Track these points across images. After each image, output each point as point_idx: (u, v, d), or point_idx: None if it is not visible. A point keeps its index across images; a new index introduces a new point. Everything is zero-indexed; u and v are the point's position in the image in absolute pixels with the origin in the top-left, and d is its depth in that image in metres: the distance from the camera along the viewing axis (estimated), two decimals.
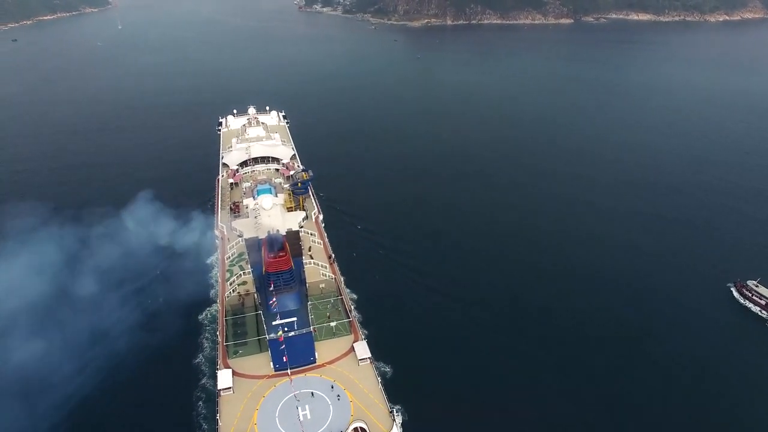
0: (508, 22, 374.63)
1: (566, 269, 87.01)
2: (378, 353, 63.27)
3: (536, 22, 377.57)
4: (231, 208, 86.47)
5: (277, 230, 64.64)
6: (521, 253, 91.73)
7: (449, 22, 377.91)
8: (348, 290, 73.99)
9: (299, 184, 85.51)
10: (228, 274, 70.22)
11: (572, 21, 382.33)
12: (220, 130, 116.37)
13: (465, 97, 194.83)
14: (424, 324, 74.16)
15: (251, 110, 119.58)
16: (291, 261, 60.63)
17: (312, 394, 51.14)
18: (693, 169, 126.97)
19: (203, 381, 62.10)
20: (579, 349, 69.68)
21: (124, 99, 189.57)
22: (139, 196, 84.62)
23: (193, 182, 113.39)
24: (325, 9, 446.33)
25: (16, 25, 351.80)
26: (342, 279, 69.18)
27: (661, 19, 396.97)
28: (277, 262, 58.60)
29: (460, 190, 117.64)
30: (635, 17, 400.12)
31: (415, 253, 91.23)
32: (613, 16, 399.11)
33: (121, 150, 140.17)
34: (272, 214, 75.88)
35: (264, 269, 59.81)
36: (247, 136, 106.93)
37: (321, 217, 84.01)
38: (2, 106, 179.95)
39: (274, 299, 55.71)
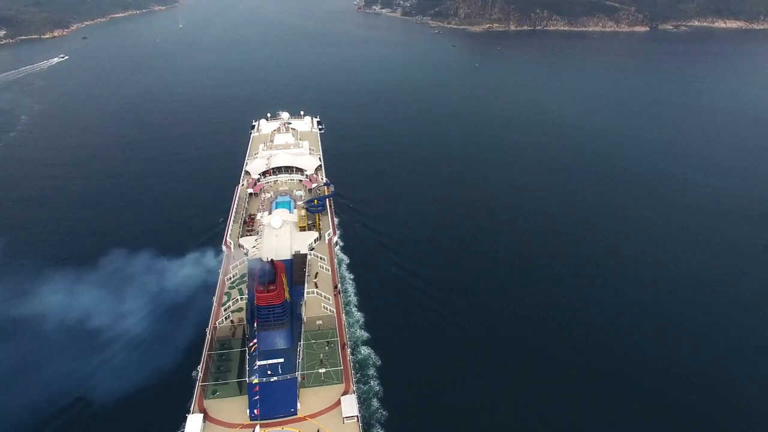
0: (576, 29, 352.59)
1: (652, 309, 75.84)
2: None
3: (607, 29, 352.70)
4: (245, 221, 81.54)
5: (271, 259, 57.96)
6: (601, 297, 78.13)
7: (512, 28, 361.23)
8: (368, 349, 65.40)
9: (315, 201, 79.17)
10: (225, 297, 64.91)
11: (648, 29, 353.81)
12: (252, 134, 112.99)
13: (527, 114, 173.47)
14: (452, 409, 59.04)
15: (284, 115, 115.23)
16: (284, 294, 53.95)
17: None
18: None
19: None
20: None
21: (164, 97, 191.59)
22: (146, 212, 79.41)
23: (219, 193, 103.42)
24: (384, 10, 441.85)
25: (91, 22, 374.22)
26: (344, 315, 61.93)
27: (754, 26, 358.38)
28: (267, 297, 52.07)
29: (525, 217, 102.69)
30: (722, 25, 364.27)
31: (462, 298, 76.33)
32: (696, 23, 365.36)
33: (154, 150, 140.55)
34: (281, 234, 69.92)
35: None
36: (274, 143, 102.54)
37: (335, 238, 77.16)
38: (51, 106, 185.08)
39: (255, 340, 49.16)
